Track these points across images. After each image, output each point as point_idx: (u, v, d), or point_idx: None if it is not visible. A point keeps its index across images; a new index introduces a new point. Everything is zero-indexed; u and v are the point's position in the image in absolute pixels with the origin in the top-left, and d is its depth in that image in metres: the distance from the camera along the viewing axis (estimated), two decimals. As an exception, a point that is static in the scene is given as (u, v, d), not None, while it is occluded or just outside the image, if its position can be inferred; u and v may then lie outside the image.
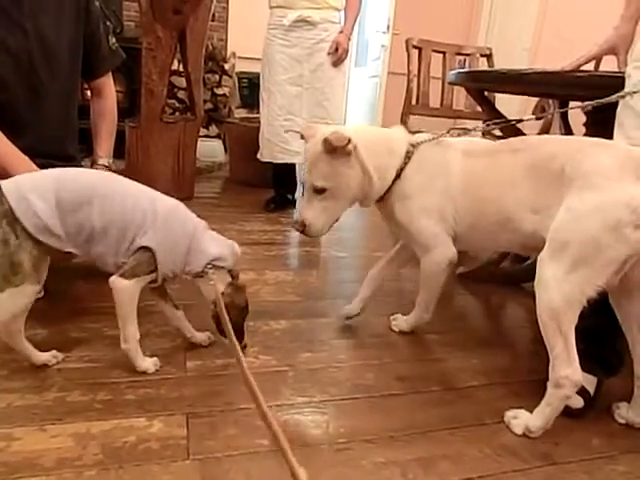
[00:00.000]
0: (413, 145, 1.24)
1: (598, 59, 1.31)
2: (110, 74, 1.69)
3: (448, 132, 1.27)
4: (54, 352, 1.16)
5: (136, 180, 1.68)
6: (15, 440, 0.91)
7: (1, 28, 1.36)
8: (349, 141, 1.16)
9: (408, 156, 1.23)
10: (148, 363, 1.15)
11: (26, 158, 1.34)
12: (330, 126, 1.30)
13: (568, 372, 0.99)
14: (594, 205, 0.94)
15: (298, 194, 2.76)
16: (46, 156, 1.41)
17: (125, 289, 1.06)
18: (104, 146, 1.65)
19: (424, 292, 1.36)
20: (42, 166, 1.41)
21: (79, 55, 1.55)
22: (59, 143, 1.55)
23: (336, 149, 1.16)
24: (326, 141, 1.16)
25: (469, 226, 1.21)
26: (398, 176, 1.24)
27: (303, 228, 1.24)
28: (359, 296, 1.46)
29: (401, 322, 1.45)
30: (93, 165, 1.62)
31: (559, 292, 0.96)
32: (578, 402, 1.11)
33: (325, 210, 1.23)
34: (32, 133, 1.46)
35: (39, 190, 1.01)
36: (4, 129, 1.35)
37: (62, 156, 1.52)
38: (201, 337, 1.28)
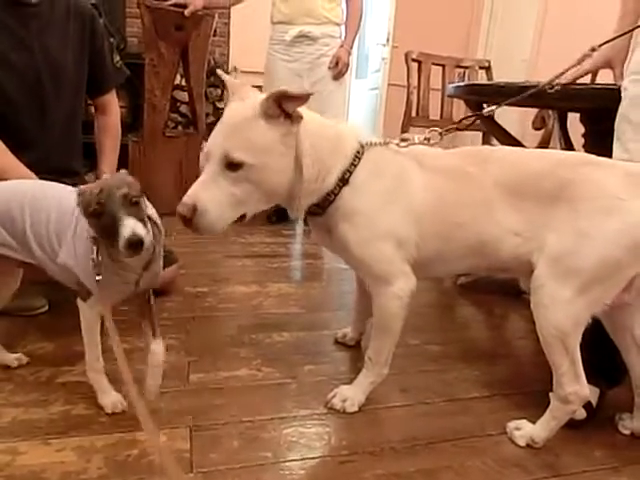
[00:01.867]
0: (362, 145, 1.02)
1: (594, 72, 1.33)
2: (114, 91, 1.72)
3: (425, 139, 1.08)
4: (20, 355, 1.17)
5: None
6: (20, 454, 0.91)
7: (8, 47, 1.39)
8: (306, 99, 0.90)
9: (358, 157, 1.01)
10: (109, 400, 1.03)
11: (27, 171, 1.35)
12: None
13: (576, 388, 0.99)
14: (614, 228, 0.92)
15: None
16: (51, 172, 1.43)
17: (81, 312, 0.99)
18: (108, 161, 1.67)
19: (382, 339, 1.10)
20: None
21: (84, 73, 1.58)
22: (64, 159, 1.57)
23: (281, 109, 0.90)
24: (277, 95, 0.88)
25: (435, 252, 1.05)
26: (345, 181, 1.00)
27: (192, 214, 0.88)
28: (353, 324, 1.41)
29: (349, 392, 1.14)
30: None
31: (566, 313, 0.96)
32: (581, 413, 1.11)
33: (231, 196, 0.90)
34: (38, 149, 1.48)
35: None
36: (10, 145, 1.38)
37: (67, 171, 1.54)
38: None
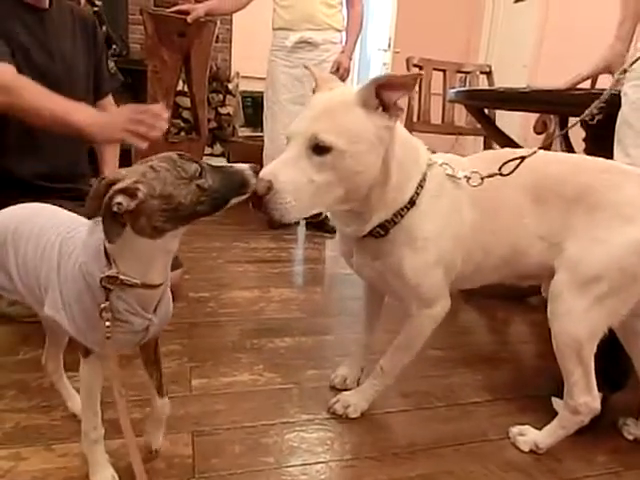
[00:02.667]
0: (428, 165, 0.95)
1: (594, 77, 1.34)
2: (110, 96, 1.74)
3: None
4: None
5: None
6: (22, 460, 0.92)
7: (32, 48, 1.38)
8: (411, 87, 0.81)
9: (424, 178, 0.93)
10: (102, 477, 0.86)
11: (80, 105, 1.28)
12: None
13: (587, 400, 0.98)
14: (634, 237, 0.91)
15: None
16: (64, 175, 1.47)
17: (81, 367, 0.81)
18: (110, 166, 1.69)
19: (403, 354, 1.09)
20: (61, 190, 1.45)
21: (91, 78, 1.60)
22: (74, 163, 1.59)
23: (380, 100, 0.81)
24: (380, 82, 0.79)
25: (475, 266, 1.01)
26: (412, 202, 0.92)
27: (265, 192, 0.76)
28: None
29: (351, 399, 1.13)
30: None
31: (584, 324, 0.94)
32: (583, 418, 1.11)
33: (311, 183, 0.79)
34: (55, 152, 1.49)
35: None
36: (28, 147, 1.40)
37: (76, 175, 1.57)
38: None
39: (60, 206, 0.97)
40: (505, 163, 0.94)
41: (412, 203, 0.92)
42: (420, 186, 0.93)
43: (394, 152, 0.87)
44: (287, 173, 0.79)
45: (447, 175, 0.95)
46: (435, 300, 1.01)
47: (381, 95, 0.81)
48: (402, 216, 0.92)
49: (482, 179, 0.94)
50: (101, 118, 1.30)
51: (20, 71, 1.33)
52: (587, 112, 1.00)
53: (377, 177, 0.86)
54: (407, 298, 1.03)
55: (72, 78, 1.51)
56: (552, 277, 0.99)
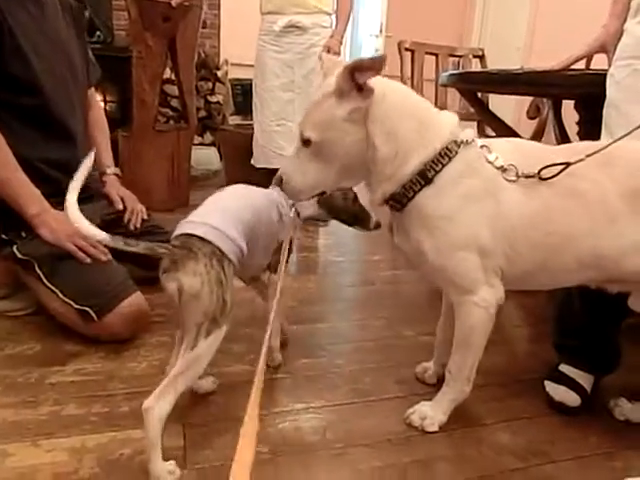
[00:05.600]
0: (458, 143, 0.91)
1: (588, 58, 1.31)
2: (93, 88, 1.71)
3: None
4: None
5: (131, 189, 1.70)
6: (9, 456, 0.90)
7: (34, 32, 1.34)
8: (379, 66, 0.83)
9: (448, 155, 0.90)
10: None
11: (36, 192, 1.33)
12: None
13: None
14: None
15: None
16: (75, 169, 1.46)
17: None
18: (106, 156, 1.68)
19: (463, 353, 1.01)
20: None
21: (84, 68, 1.57)
22: (87, 151, 1.59)
23: (355, 82, 0.86)
24: (350, 67, 0.84)
25: (536, 265, 0.94)
26: (429, 180, 0.91)
27: (280, 182, 0.97)
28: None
29: (428, 410, 1.06)
30: (103, 175, 1.63)
31: None
32: (575, 400, 1.11)
33: (310, 169, 0.93)
34: (78, 142, 1.49)
35: (230, 223, 0.97)
36: (54, 138, 1.40)
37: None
38: None
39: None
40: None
41: (425, 178, 0.90)
42: (436, 162, 0.90)
43: (376, 127, 0.89)
44: (291, 165, 0.96)
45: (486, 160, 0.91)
46: (473, 287, 0.94)
47: (355, 78, 0.85)
48: (414, 191, 0.92)
49: (518, 177, 0.89)
50: (54, 222, 1.30)
51: (30, 62, 1.31)
52: None
53: (364, 154, 0.91)
54: (441, 282, 1.01)
55: (72, 68, 1.48)
56: None
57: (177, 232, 0.95)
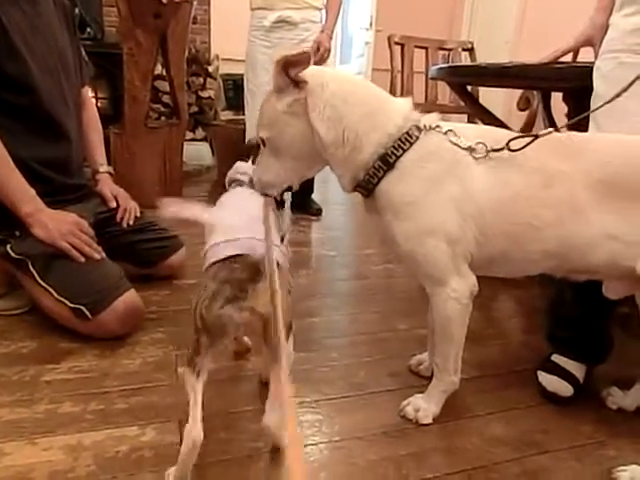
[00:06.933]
0: (419, 128, 0.92)
1: (575, 51, 1.32)
2: (87, 86, 1.69)
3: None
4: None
5: (123, 186, 1.69)
6: (5, 455, 0.90)
7: (27, 30, 1.33)
8: (305, 61, 0.87)
9: (408, 140, 0.91)
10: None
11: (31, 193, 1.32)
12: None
13: None
14: None
15: (287, 195, 2.75)
16: (69, 168, 1.48)
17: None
18: (99, 154, 1.68)
19: (445, 345, 1.02)
20: (67, 188, 1.46)
21: (78, 67, 1.56)
22: (81, 150, 1.59)
23: (290, 77, 0.89)
24: (281, 64, 0.87)
25: (499, 253, 0.94)
26: (391, 165, 0.91)
27: (252, 182, 1.02)
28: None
29: (421, 402, 1.08)
30: (96, 173, 1.63)
31: None
32: (567, 390, 1.13)
33: (270, 166, 0.97)
34: (74, 142, 1.49)
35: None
36: (50, 136, 1.39)
37: (86, 163, 1.60)
38: None
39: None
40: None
41: (386, 164, 0.91)
42: (397, 147, 0.91)
43: (317, 114, 0.91)
44: (258, 164, 1.00)
45: (451, 142, 0.92)
46: (444, 277, 0.94)
47: (288, 73, 0.89)
48: (378, 177, 0.93)
49: (487, 152, 0.90)
50: (48, 221, 1.29)
51: (24, 61, 1.30)
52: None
53: (312, 143, 0.94)
54: (415, 274, 1.01)
55: (66, 67, 1.47)
56: (627, 278, 0.92)
57: (226, 253, 0.85)
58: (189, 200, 0.91)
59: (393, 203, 0.93)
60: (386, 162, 0.91)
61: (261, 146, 0.99)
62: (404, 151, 0.91)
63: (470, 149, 0.91)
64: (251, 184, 1.02)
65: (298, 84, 0.90)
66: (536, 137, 0.89)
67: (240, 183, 1.16)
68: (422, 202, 0.91)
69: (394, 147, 0.91)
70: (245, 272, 0.81)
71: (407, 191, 0.92)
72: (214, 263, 0.86)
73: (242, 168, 1.19)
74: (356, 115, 0.91)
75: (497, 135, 0.94)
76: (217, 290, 0.81)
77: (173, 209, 0.87)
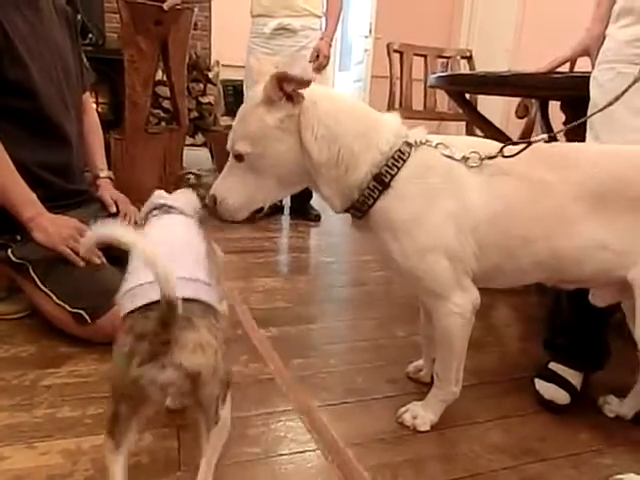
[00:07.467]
0: (410, 144, 0.91)
1: (572, 60, 1.34)
2: (87, 91, 1.71)
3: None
4: None
5: (123, 191, 1.70)
6: (4, 459, 0.90)
7: (30, 37, 1.34)
8: (306, 84, 0.85)
9: (401, 157, 0.90)
10: None
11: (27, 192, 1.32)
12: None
13: None
14: None
15: (286, 199, 2.76)
16: (83, 170, 1.51)
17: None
18: (100, 159, 1.69)
19: (446, 357, 1.01)
20: (67, 193, 1.46)
21: (79, 72, 1.57)
22: (82, 155, 1.60)
23: (283, 91, 0.86)
24: (277, 78, 0.84)
25: (492, 266, 0.93)
26: (386, 184, 0.90)
27: (213, 204, 0.94)
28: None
29: (420, 410, 1.06)
30: (97, 178, 1.63)
31: None
32: (564, 398, 1.13)
33: (245, 185, 0.91)
34: (75, 147, 1.49)
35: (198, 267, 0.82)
36: (51, 142, 1.40)
37: (83, 169, 1.59)
38: None
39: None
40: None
41: (382, 183, 0.89)
42: (391, 166, 0.89)
43: (310, 133, 0.88)
44: (225, 183, 0.93)
45: (444, 156, 0.91)
46: (446, 292, 0.93)
47: (283, 87, 0.86)
48: (374, 198, 0.91)
49: (481, 160, 0.89)
50: (49, 226, 1.30)
51: (26, 66, 1.31)
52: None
53: (301, 161, 0.90)
54: (414, 287, 1.00)
55: (67, 73, 1.48)
56: (617, 286, 0.93)
57: (143, 301, 0.69)
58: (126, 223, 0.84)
59: (391, 222, 0.91)
60: (381, 182, 0.89)
61: (231, 161, 0.92)
62: (398, 169, 0.89)
63: (464, 158, 0.90)
64: (204, 206, 0.93)
65: (292, 99, 0.87)
66: (530, 143, 0.89)
67: (168, 210, 0.98)
68: (421, 219, 0.90)
69: (388, 166, 0.89)
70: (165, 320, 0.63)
71: (405, 209, 0.90)
72: (131, 312, 0.70)
73: (163, 196, 1.04)
74: (351, 134, 0.89)
75: (486, 146, 0.94)
76: (132, 348, 0.66)
77: (102, 232, 0.60)
